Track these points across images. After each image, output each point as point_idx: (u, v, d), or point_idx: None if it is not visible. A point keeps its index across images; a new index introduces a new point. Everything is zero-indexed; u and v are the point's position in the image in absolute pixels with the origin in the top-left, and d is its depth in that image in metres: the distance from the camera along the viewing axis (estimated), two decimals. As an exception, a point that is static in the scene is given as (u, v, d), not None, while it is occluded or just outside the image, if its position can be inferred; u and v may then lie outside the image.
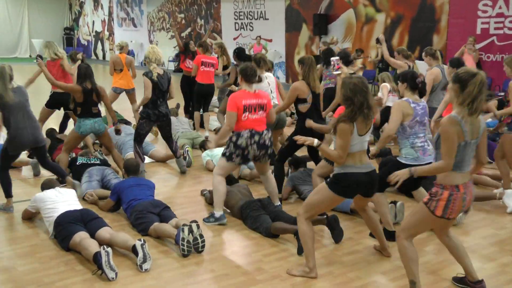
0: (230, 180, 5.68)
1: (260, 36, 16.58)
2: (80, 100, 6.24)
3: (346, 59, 6.37)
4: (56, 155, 7.19)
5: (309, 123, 5.24)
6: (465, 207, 3.47)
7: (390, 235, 4.54)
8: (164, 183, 6.50)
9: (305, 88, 5.39)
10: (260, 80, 5.34)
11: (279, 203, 5.33)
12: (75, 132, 6.38)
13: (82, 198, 5.65)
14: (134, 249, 4.10)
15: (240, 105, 4.94)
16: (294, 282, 3.91)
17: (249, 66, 5.18)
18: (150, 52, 6.42)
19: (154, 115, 6.40)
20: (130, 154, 7.08)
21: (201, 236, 4.37)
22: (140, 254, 4.04)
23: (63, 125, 8.47)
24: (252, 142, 4.98)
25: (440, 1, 12.92)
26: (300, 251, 4.33)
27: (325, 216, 4.62)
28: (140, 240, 4.10)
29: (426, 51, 7.28)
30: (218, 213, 5.08)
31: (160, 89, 6.35)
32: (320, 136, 4.72)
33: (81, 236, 4.25)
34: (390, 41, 13.98)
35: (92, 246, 4.10)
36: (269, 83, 6.66)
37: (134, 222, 4.86)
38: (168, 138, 6.80)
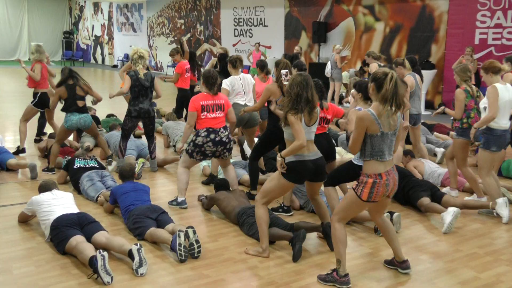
0: (225, 186, 5.68)
1: (259, 43, 16.64)
2: (65, 96, 6.86)
3: (300, 68, 6.43)
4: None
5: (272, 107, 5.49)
6: (389, 192, 3.80)
7: None
8: (161, 188, 6.51)
9: (276, 90, 5.53)
10: (218, 89, 5.77)
11: (236, 187, 5.80)
12: (63, 126, 6.94)
13: (95, 200, 5.68)
14: (130, 254, 4.10)
15: (198, 106, 5.56)
16: (289, 289, 3.91)
17: (211, 74, 5.68)
18: (136, 53, 6.74)
19: (134, 111, 6.73)
20: (128, 157, 7.10)
21: (197, 241, 4.37)
22: (136, 259, 4.04)
23: (42, 125, 8.80)
24: (208, 140, 5.54)
25: (439, 11, 13.00)
26: (295, 258, 4.34)
27: (320, 223, 4.63)
28: (136, 244, 4.10)
29: (396, 61, 7.45)
30: (180, 198, 5.72)
31: (142, 86, 6.67)
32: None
33: (77, 240, 4.24)
34: (388, 51, 14.06)
35: (88, 250, 4.09)
36: (243, 85, 6.73)
37: (131, 226, 4.86)
38: (149, 136, 7.04)
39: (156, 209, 4.94)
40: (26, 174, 6.86)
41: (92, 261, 3.90)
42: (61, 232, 4.37)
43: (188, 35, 21.91)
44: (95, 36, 28.70)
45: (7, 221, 5.22)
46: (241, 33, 19.29)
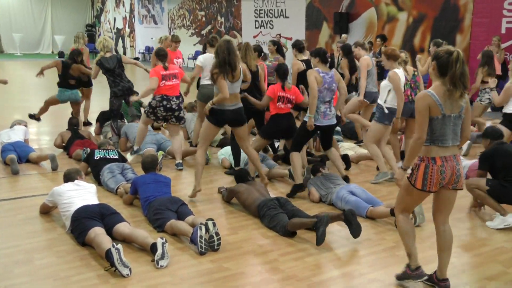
0: (246, 178, 5.61)
1: (280, 34, 16.51)
2: (60, 72, 8.35)
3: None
4: (73, 150, 7.24)
5: (245, 95, 6.26)
6: (445, 181, 3.48)
7: (299, 187, 5.68)
8: (181, 180, 6.49)
9: (245, 68, 5.92)
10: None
11: (180, 161, 6.88)
12: (55, 97, 8.43)
13: (115, 191, 5.69)
14: (153, 246, 4.07)
15: (159, 74, 6.66)
16: (310, 283, 3.85)
17: (162, 48, 7.08)
18: (100, 42, 7.77)
19: (119, 91, 7.57)
20: (148, 149, 7.10)
21: (217, 234, 4.34)
22: (159, 251, 4.01)
23: None
24: (160, 105, 6.69)
25: (464, 0, 12.69)
26: (319, 242, 4.30)
27: (342, 211, 4.55)
28: (162, 238, 4.09)
29: (356, 43, 8.10)
30: (136, 147, 6.92)
31: (108, 68, 7.52)
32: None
33: (96, 232, 4.24)
34: (412, 41, 13.82)
35: (105, 243, 4.06)
36: None
37: (151, 218, 4.85)
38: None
39: (176, 201, 4.92)
40: (47, 165, 6.91)
41: (108, 255, 3.89)
42: (81, 223, 4.38)
43: (209, 27, 21.89)
44: (117, 28, 28.88)
45: (28, 212, 5.26)
46: (262, 24, 19.17)
